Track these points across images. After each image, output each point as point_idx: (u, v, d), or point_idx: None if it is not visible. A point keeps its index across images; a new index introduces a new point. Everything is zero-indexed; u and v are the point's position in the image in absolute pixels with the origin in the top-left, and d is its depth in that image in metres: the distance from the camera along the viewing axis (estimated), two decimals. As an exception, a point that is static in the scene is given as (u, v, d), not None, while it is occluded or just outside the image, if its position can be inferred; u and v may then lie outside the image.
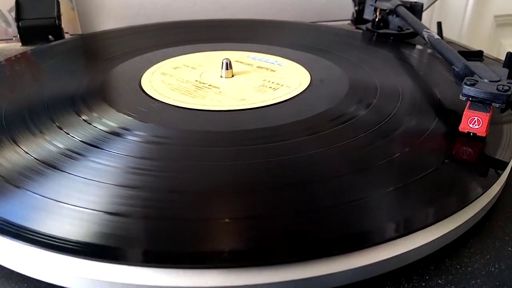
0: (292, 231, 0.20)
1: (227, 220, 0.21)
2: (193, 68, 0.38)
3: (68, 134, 0.27)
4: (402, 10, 0.47)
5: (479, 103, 0.27)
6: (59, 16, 0.51)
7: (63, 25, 0.51)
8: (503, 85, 0.26)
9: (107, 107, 0.31)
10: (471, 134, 0.27)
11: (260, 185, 0.23)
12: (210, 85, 0.34)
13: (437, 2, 0.69)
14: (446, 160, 0.25)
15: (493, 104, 0.26)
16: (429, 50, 0.44)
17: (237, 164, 0.25)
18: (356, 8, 0.59)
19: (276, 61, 0.40)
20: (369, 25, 0.52)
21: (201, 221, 0.20)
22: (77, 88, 0.34)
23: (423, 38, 0.39)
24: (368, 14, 0.53)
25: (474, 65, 0.29)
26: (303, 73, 0.37)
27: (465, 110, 0.27)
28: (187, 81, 0.35)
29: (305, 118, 0.29)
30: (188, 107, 0.31)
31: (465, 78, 0.27)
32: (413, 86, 0.35)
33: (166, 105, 0.31)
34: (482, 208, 0.22)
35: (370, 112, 0.30)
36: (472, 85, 0.27)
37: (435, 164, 0.24)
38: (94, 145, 0.26)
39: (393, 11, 0.49)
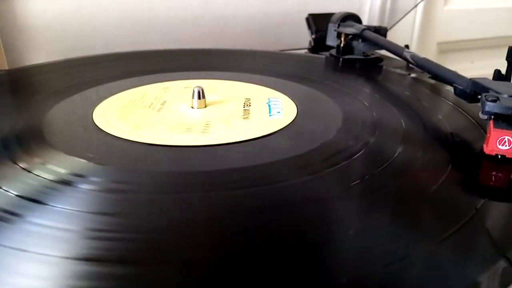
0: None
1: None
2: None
3: (1, 188, 0.20)
4: (370, 34, 0.44)
5: (503, 121, 0.23)
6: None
7: (-16, 60, 0.43)
8: (528, 100, 0.23)
9: (52, 149, 0.23)
10: (499, 156, 0.23)
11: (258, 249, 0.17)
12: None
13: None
14: (484, 199, 0.20)
15: (519, 121, 0.23)
16: (404, 72, 0.42)
17: (227, 215, 0.19)
18: (314, 36, 0.57)
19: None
20: (332, 51, 0.50)
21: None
22: (11, 130, 0.26)
23: (405, 59, 0.36)
24: (331, 41, 0.50)
25: (484, 80, 0.26)
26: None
27: (490, 130, 0.23)
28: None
29: (303, 153, 0.24)
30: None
31: (483, 95, 0.24)
32: (409, 113, 0.32)
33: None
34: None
35: (373, 146, 0.25)
36: (494, 101, 0.23)
37: (476, 202, 0.20)
38: (36, 200, 0.19)
39: (358, 36, 0.47)
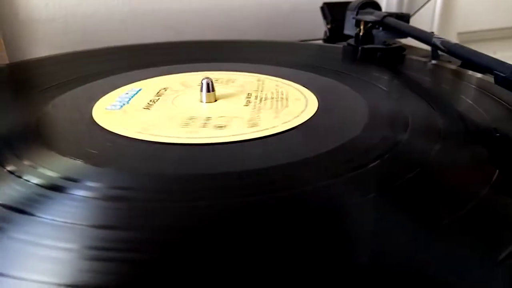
0: None
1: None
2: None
3: (-19, 196, 0.17)
4: (393, 21, 0.41)
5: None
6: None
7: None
8: None
9: (43, 149, 0.21)
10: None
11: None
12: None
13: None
14: None
15: None
16: (431, 61, 0.39)
17: (248, 227, 0.16)
18: (329, 26, 0.53)
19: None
20: (351, 41, 0.46)
21: None
22: (1, 128, 0.24)
23: (434, 45, 0.33)
24: (349, 29, 0.47)
25: (533, 66, 0.23)
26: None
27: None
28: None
29: (326, 152, 0.21)
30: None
31: (536, 82, 0.21)
32: (443, 106, 0.28)
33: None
34: None
35: (408, 142, 0.22)
36: (551, 89, 0.20)
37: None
38: (21, 209, 0.16)
39: (379, 24, 0.43)
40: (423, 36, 0.35)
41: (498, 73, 0.25)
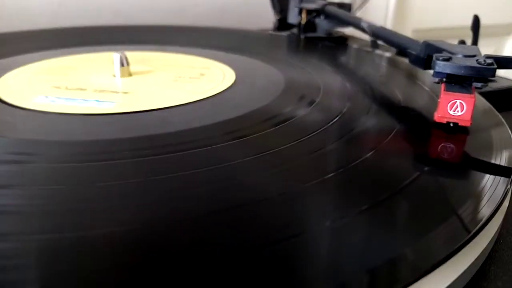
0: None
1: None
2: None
3: None
4: (331, 9, 0.41)
5: (456, 84, 0.20)
6: None
7: None
8: (484, 59, 0.20)
9: None
10: (451, 124, 0.20)
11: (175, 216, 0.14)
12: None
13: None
14: (426, 168, 0.17)
15: (474, 84, 0.20)
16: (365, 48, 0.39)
17: (140, 183, 0.16)
18: (278, 16, 0.53)
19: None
20: (294, 30, 0.46)
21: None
22: None
23: (363, 30, 0.33)
24: (293, 18, 0.47)
25: (438, 42, 0.23)
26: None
27: (441, 94, 0.20)
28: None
29: (231, 118, 0.21)
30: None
31: (435, 55, 0.21)
32: (361, 84, 0.29)
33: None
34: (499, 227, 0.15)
35: (313, 110, 0.23)
36: (446, 60, 0.20)
37: (414, 172, 0.17)
38: None
39: (321, 12, 0.43)
40: (354, 22, 0.35)
41: (410, 51, 0.25)
